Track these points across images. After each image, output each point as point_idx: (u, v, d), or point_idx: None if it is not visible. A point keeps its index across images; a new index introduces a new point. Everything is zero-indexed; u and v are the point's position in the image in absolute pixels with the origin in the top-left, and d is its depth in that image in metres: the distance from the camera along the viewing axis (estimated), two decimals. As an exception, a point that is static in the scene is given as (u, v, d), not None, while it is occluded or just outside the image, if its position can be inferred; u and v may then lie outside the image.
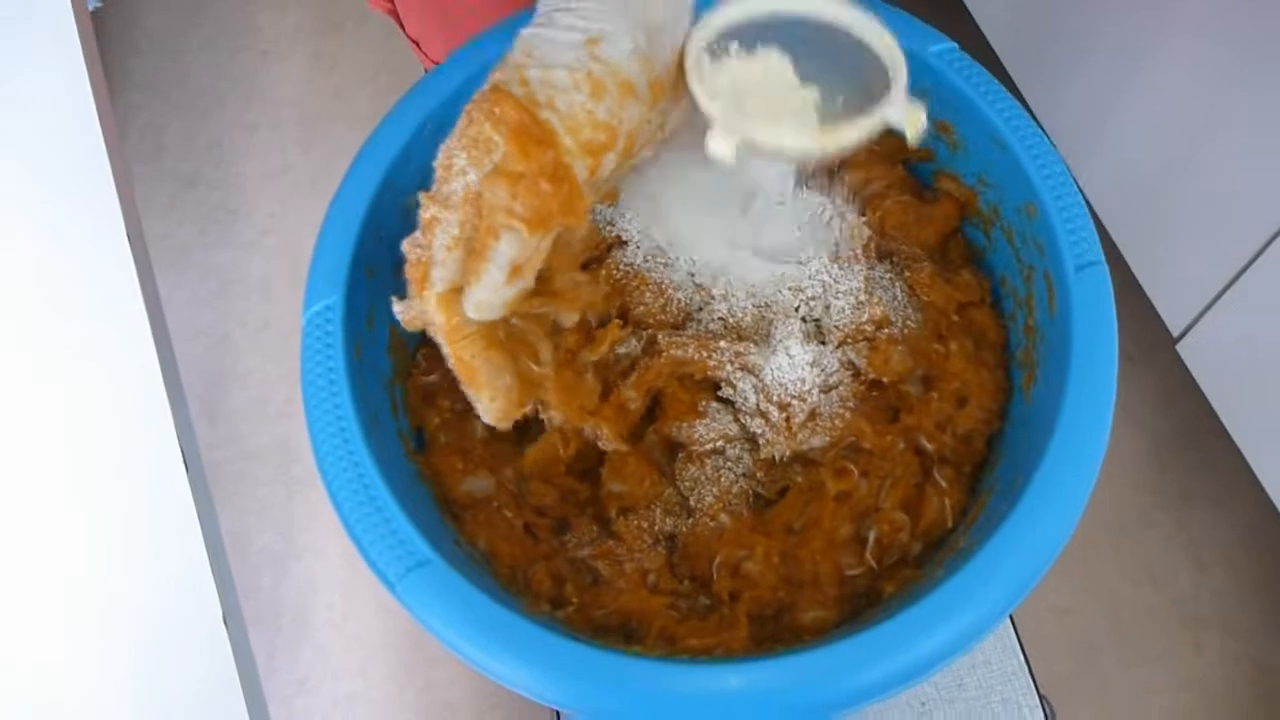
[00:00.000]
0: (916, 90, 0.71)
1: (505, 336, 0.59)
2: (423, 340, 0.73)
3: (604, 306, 0.65)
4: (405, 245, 0.55)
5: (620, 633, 0.62)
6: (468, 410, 0.70)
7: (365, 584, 1.68)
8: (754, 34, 0.59)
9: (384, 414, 0.66)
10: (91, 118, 0.87)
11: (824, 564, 0.64)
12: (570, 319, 0.62)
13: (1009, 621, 0.81)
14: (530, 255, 0.52)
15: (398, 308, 0.58)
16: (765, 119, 0.56)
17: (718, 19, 0.57)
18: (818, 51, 0.58)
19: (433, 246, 0.53)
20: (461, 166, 0.51)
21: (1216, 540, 1.68)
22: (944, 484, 0.65)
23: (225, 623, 0.66)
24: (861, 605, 0.64)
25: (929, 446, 0.65)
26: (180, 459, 0.71)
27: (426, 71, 0.75)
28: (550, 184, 0.51)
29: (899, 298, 0.69)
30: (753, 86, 0.58)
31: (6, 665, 0.68)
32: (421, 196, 0.54)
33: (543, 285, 0.59)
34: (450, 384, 0.71)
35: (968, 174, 0.72)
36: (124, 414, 0.75)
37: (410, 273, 0.55)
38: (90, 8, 2.06)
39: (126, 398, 0.76)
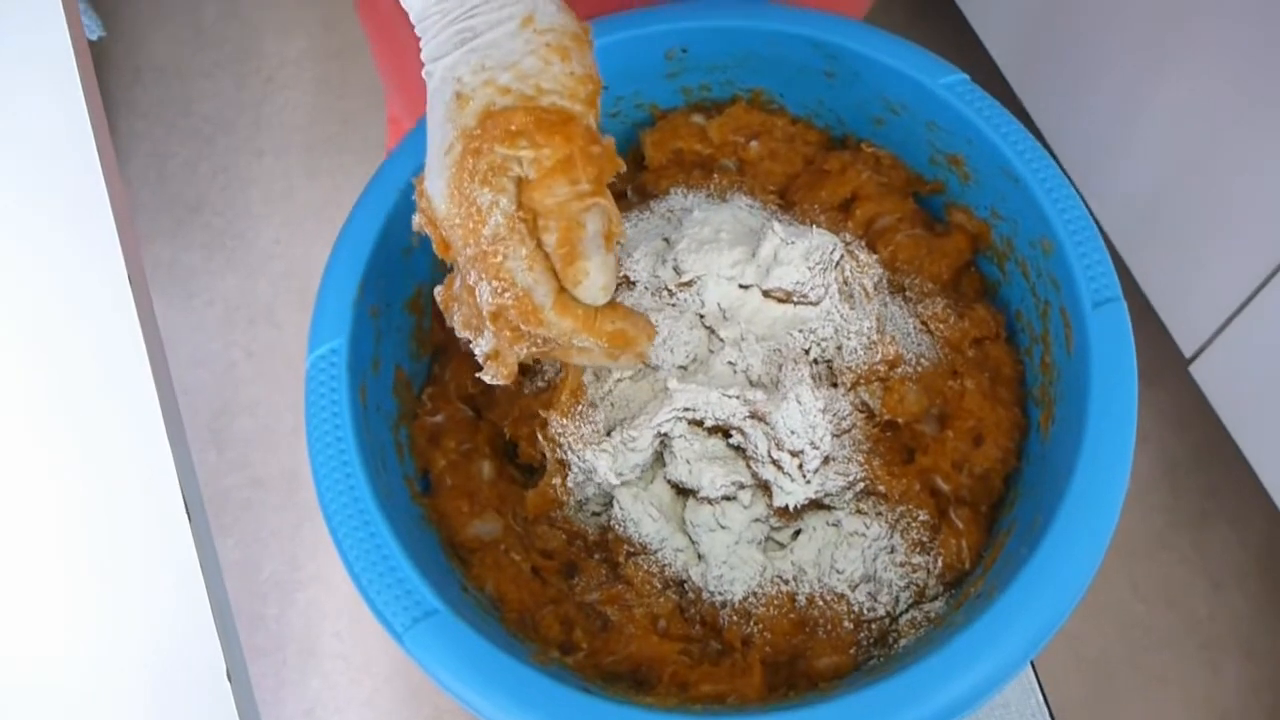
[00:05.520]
0: (927, 122, 0.70)
1: None
2: (428, 380, 0.72)
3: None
4: (482, 316, 0.56)
5: (631, 679, 0.61)
6: (474, 451, 0.69)
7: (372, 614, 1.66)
8: None
9: (390, 457, 0.65)
10: (90, 150, 0.86)
11: (839, 608, 0.62)
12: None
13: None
14: (613, 216, 0.55)
15: (488, 372, 0.58)
16: None
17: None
18: None
19: (516, 282, 0.54)
20: (488, 202, 0.52)
21: (1231, 562, 1.66)
22: (961, 525, 0.64)
23: (229, 678, 0.65)
24: (877, 651, 0.63)
25: (945, 487, 0.64)
26: (183, 509, 0.70)
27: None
28: (597, 145, 0.53)
29: (911, 334, 0.68)
30: None
31: (6, 716, 0.67)
32: (461, 263, 0.55)
33: None
34: (456, 425, 0.70)
35: (980, 207, 0.71)
36: (124, 460, 0.74)
37: (512, 318, 0.55)
38: (94, 37, 2.06)
39: (126, 441, 0.74)
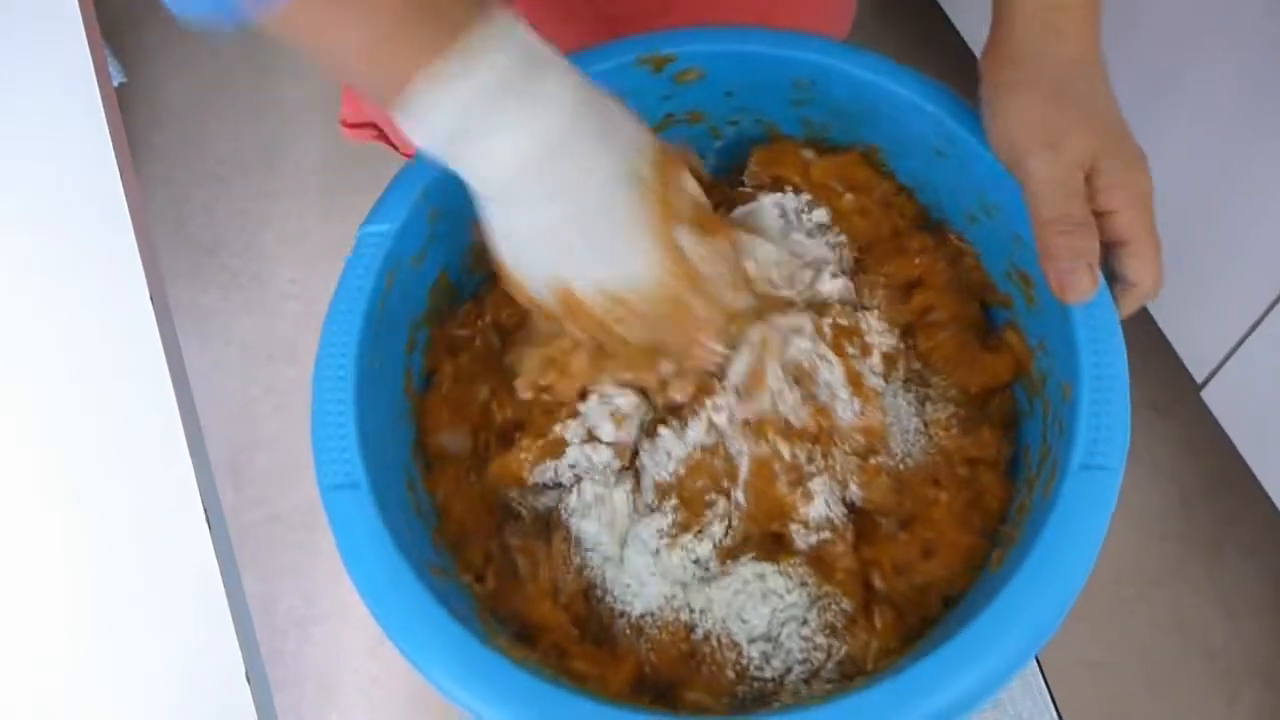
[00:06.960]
0: (1014, 234, 0.66)
1: None
2: (471, 296, 0.74)
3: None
4: None
5: (518, 634, 0.61)
6: (480, 375, 0.71)
7: (391, 646, 1.66)
8: None
9: (399, 346, 0.68)
10: (117, 191, 0.88)
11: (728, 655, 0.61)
12: None
13: (1043, 683, 0.79)
14: None
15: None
16: None
17: None
18: None
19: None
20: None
21: (1248, 590, 1.65)
22: (879, 625, 0.61)
23: (248, 681, 0.66)
24: (752, 708, 0.61)
25: (879, 584, 0.62)
26: (204, 520, 0.72)
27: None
28: None
29: (910, 432, 0.67)
30: None
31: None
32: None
33: None
34: (476, 348, 0.72)
35: (1032, 334, 0.67)
36: (148, 477, 0.76)
37: None
38: (115, 83, 2.10)
39: (151, 461, 0.76)
